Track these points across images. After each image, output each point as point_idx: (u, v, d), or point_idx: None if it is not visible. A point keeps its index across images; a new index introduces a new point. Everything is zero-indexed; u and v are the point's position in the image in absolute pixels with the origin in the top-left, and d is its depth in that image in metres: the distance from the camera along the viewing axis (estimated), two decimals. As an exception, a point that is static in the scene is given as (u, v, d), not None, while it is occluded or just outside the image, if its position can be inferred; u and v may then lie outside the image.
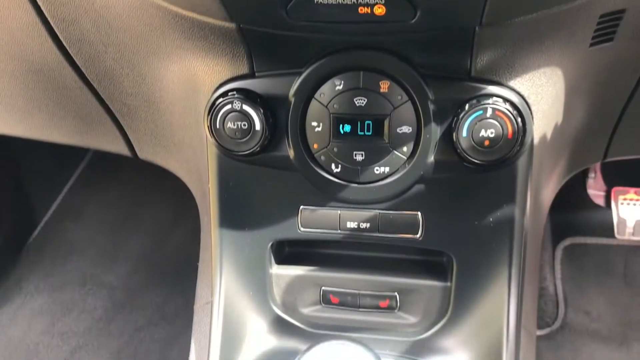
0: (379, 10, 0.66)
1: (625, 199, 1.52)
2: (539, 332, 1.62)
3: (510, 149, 0.75)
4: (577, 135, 0.93)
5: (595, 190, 1.59)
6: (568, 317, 1.65)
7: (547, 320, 1.65)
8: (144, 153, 1.12)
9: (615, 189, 1.53)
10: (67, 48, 0.91)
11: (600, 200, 1.59)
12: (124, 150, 1.14)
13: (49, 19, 0.87)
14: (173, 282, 1.82)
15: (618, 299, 1.68)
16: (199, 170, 0.96)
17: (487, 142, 0.74)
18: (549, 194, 0.97)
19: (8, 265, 1.92)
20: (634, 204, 1.51)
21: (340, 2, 0.66)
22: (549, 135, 0.82)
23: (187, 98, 0.89)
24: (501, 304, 0.82)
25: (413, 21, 0.67)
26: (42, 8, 0.86)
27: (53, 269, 1.90)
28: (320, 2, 0.66)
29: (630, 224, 1.51)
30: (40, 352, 1.66)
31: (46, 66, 0.96)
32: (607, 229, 1.57)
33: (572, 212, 1.72)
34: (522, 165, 0.79)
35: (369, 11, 0.66)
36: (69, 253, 1.95)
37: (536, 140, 0.80)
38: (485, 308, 0.83)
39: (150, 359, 1.63)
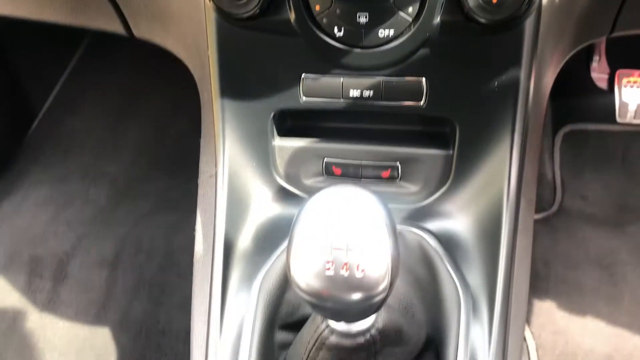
0: None
1: (628, 82, 1.50)
2: (536, 217, 1.65)
3: (518, 6, 0.73)
4: (585, 3, 0.90)
5: (598, 73, 1.56)
6: (565, 202, 1.68)
7: (544, 205, 1.67)
8: (139, 31, 1.08)
9: (619, 72, 1.50)
10: None
11: (603, 84, 1.57)
12: (119, 28, 1.11)
13: None
14: (175, 170, 1.83)
15: (615, 184, 1.70)
16: (197, 43, 0.93)
17: (494, 0, 0.72)
18: (555, 63, 0.95)
19: (8, 159, 1.92)
20: (638, 87, 1.49)
21: None
22: (558, -2, 0.80)
23: None
24: (502, 169, 0.82)
25: None
26: None
27: (54, 160, 1.91)
28: None
29: (632, 107, 1.50)
30: (48, 240, 1.70)
31: None
32: (609, 114, 1.56)
33: (574, 98, 1.70)
34: (530, 27, 0.77)
35: None
36: (69, 145, 1.95)
37: (545, 0, 0.77)
38: (486, 173, 0.84)
39: (154, 244, 1.67)
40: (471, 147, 0.84)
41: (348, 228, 0.55)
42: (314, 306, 0.58)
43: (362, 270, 0.54)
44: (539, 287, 1.52)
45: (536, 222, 1.65)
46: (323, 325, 0.65)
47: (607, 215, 1.65)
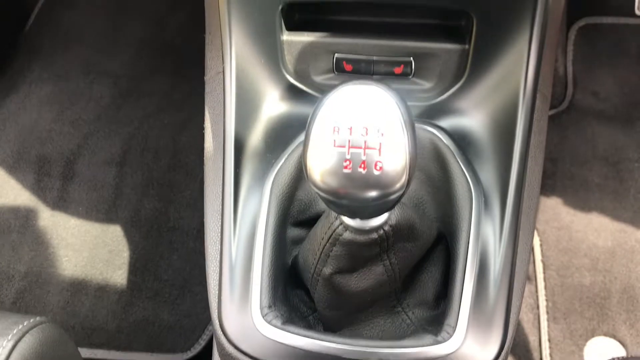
0: None
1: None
2: (545, 113, 1.63)
3: None
4: None
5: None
6: (575, 98, 1.65)
7: (554, 101, 1.65)
8: None
9: None
10: None
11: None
12: None
13: None
14: (178, 68, 1.80)
15: (628, 80, 1.66)
16: None
17: None
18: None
19: (8, 55, 1.88)
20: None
21: None
22: None
23: None
24: (520, 65, 0.79)
25: None
26: None
27: (54, 57, 1.87)
28: None
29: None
30: (54, 138, 1.69)
31: None
32: (628, 6, 1.49)
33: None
34: None
35: None
36: (68, 40, 1.89)
37: None
38: (503, 69, 0.81)
39: (160, 143, 1.67)
40: (488, 41, 0.81)
41: (366, 126, 0.54)
42: (330, 203, 0.58)
43: (380, 169, 0.53)
44: (545, 184, 1.52)
45: (545, 119, 1.64)
46: (337, 222, 0.65)
47: (618, 112, 1.63)
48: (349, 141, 0.54)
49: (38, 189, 1.61)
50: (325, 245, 0.67)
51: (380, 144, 0.53)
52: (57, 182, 1.62)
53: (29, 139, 1.71)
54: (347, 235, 0.65)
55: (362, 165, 0.54)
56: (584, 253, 1.44)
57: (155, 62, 1.84)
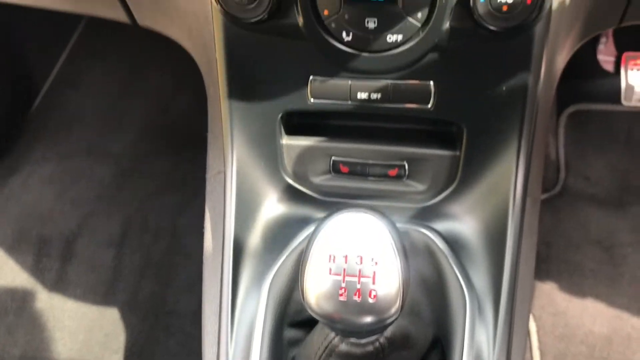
0: None
1: (635, 64, 1.49)
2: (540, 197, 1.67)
3: (528, 14, 0.72)
4: (593, 1, 0.89)
5: (605, 55, 1.55)
6: (568, 182, 1.69)
7: (547, 185, 1.68)
8: (143, 19, 1.08)
9: (626, 54, 1.49)
10: None
11: (609, 66, 1.56)
12: (122, 16, 1.10)
13: None
14: (179, 149, 1.84)
15: (618, 165, 1.70)
16: (204, 38, 0.93)
17: (505, 8, 0.71)
18: (561, 61, 0.95)
19: (13, 135, 1.93)
20: (644, 70, 1.49)
21: None
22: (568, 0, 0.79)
23: None
24: (509, 172, 0.83)
25: None
26: None
27: (58, 138, 1.91)
28: None
29: (638, 90, 1.49)
30: (54, 218, 1.72)
31: None
32: (614, 96, 1.55)
33: (579, 80, 1.70)
34: (539, 33, 0.77)
35: None
36: (72, 121, 1.95)
37: (555, 5, 0.77)
38: (493, 176, 0.84)
39: (160, 224, 1.69)
40: (478, 150, 0.84)
41: (360, 254, 0.56)
42: (326, 324, 0.60)
43: (374, 297, 0.56)
44: (540, 268, 1.54)
45: (540, 202, 1.67)
46: (332, 334, 0.66)
47: (610, 196, 1.66)
48: (344, 270, 0.56)
49: (37, 270, 1.62)
50: (321, 355, 0.68)
51: (374, 272, 0.56)
52: (56, 263, 1.63)
53: (30, 218, 1.73)
54: (343, 347, 0.66)
55: (357, 294, 0.56)
56: (581, 340, 1.44)
57: (157, 143, 1.88)
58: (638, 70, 1.49)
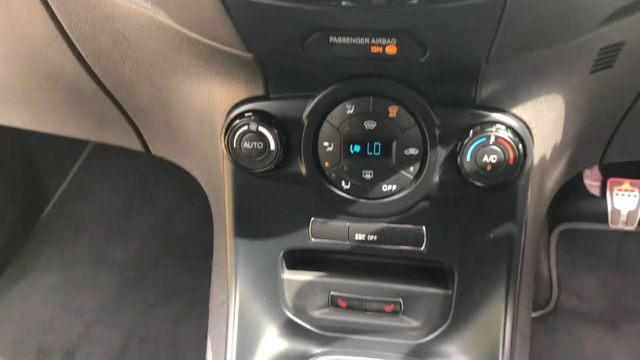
0: (391, 49, 0.70)
1: (620, 190, 1.57)
2: (533, 315, 1.70)
3: (511, 173, 0.80)
4: (574, 145, 0.97)
5: (591, 180, 1.64)
6: (561, 300, 1.73)
7: (541, 303, 1.72)
8: (157, 151, 1.16)
9: (610, 180, 1.58)
10: (86, 59, 0.95)
11: (596, 190, 1.64)
12: (137, 146, 1.18)
13: (68, 33, 0.91)
14: (181, 260, 1.89)
15: (609, 283, 1.75)
16: (213, 175, 1.00)
17: (489, 167, 0.79)
18: (546, 202, 1.02)
19: (21, 242, 1.98)
20: (629, 195, 1.56)
21: (354, 42, 0.70)
22: (548, 156, 0.87)
23: (203, 111, 0.93)
24: (498, 314, 0.88)
25: (422, 59, 0.71)
26: (63, 23, 0.89)
27: (65, 245, 1.97)
28: (335, 42, 0.70)
29: (624, 214, 1.57)
30: (56, 327, 1.74)
31: (64, 73, 1.00)
32: (602, 217, 1.62)
33: (569, 201, 1.78)
34: (522, 186, 0.84)
35: (381, 50, 0.70)
36: (80, 230, 2.01)
37: (536, 162, 0.85)
38: (483, 317, 0.89)
39: (160, 335, 1.71)
40: (469, 291, 0.89)
41: None
42: None
43: None
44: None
45: (533, 320, 1.70)
46: None
47: (602, 314, 1.70)
48: None
49: (35, 382, 1.63)
50: None
51: None
52: (55, 376, 1.64)
53: (32, 327, 1.75)
54: None
55: None
56: None
57: (161, 253, 1.94)
58: (623, 195, 1.57)
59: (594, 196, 1.65)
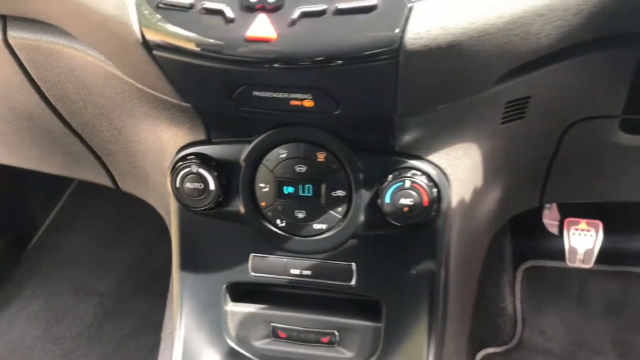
0: (308, 103, 0.78)
1: (576, 229, 1.62)
2: (497, 350, 1.75)
3: (426, 215, 0.87)
4: (502, 189, 1.04)
5: (550, 219, 1.70)
6: (524, 336, 1.77)
7: (505, 338, 1.76)
8: (125, 187, 1.24)
9: (568, 220, 1.63)
10: (53, 103, 1.04)
11: (554, 229, 1.70)
12: (108, 183, 1.27)
13: (35, 80, 1.00)
14: (158, 292, 1.94)
15: (572, 320, 1.79)
16: (169, 211, 1.08)
17: (406, 209, 0.86)
18: (479, 241, 1.09)
19: (8, 272, 2.06)
20: (585, 234, 1.62)
21: (275, 96, 0.78)
22: (468, 199, 0.94)
23: (157, 152, 1.01)
24: (422, 347, 0.94)
25: (337, 112, 0.79)
26: (30, 71, 0.99)
27: (49, 276, 2.04)
28: (258, 95, 0.78)
29: (580, 252, 1.62)
30: (35, 356, 1.80)
31: (35, 115, 1.09)
32: (563, 255, 1.68)
33: (534, 239, 1.84)
34: (440, 227, 0.91)
35: (299, 103, 0.78)
36: (64, 262, 2.08)
37: (455, 204, 0.92)
38: (408, 349, 0.95)
39: (135, 365, 1.77)
40: (396, 324, 0.96)
41: None
42: None
43: None
44: None
45: (497, 355, 1.75)
46: None
47: (565, 351, 1.73)
48: None
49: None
50: None
51: None
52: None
53: (12, 355, 1.81)
54: None
55: None
56: None
57: (140, 284, 2.00)
58: (580, 234, 1.63)
59: (553, 236, 1.71)
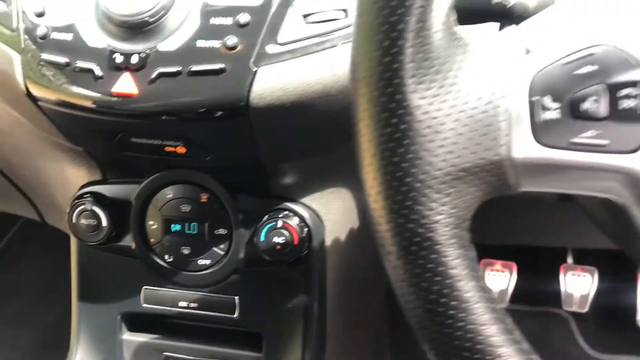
0: (180, 149, 0.87)
1: (492, 270, 1.71)
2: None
3: (298, 252, 0.95)
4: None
5: (468, 260, 1.78)
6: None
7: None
8: (50, 221, 1.32)
9: (483, 261, 1.72)
10: None
11: (472, 270, 1.78)
12: (35, 216, 1.34)
13: None
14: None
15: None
16: None
17: (278, 247, 0.94)
18: (373, 274, 1.16)
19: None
20: (499, 275, 1.70)
21: (150, 142, 0.87)
22: (344, 237, 1.02)
23: (66, 189, 1.09)
24: None
25: (208, 158, 0.88)
26: None
27: (-8, 306, 2.09)
28: (136, 142, 0.87)
29: (495, 292, 1.70)
30: (-30, 385, 1.84)
31: None
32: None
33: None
34: (315, 263, 0.99)
35: (173, 150, 0.87)
36: (9, 295, 2.14)
37: (329, 243, 1.00)
38: None
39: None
40: (274, 355, 1.03)
41: None
42: None
43: None
44: None
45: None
46: None
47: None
48: None
49: None
50: None
51: None
52: None
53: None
54: None
55: None
56: None
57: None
58: (495, 275, 1.71)
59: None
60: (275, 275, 1.00)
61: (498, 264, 1.72)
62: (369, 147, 0.47)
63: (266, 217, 0.95)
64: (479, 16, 0.62)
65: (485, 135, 0.46)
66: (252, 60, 0.77)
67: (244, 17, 0.77)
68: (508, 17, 0.62)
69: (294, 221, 0.94)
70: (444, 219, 0.47)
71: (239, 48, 0.77)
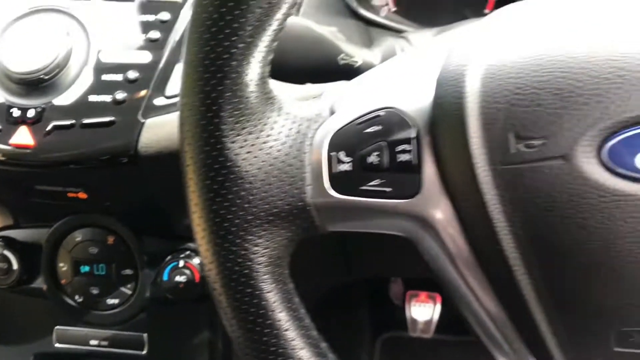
0: (82, 195, 0.93)
1: (417, 301, 1.77)
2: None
3: (201, 290, 1.00)
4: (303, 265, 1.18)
5: (394, 294, 1.85)
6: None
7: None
8: None
9: (409, 292, 1.79)
10: None
11: (399, 301, 1.84)
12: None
13: None
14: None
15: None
16: None
17: (181, 286, 0.99)
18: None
19: None
20: (424, 306, 1.77)
21: (53, 189, 0.93)
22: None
23: None
24: None
25: (108, 204, 0.93)
26: None
27: None
28: (39, 189, 0.93)
29: (420, 322, 1.76)
30: None
31: None
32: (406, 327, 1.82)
33: (392, 309, 1.98)
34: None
35: (75, 195, 0.93)
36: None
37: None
38: None
39: None
40: None
41: None
42: None
43: None
44: None
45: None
46: None
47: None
48: None
49: None
50: None
51: None
52: None
53: None
54: None
55: None
56: None
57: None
58: (420, 306, 1.78)
59: (400, 307, 1.86)
60: (181, 312, 1.05)
61: (423, 295, 1.79)
62: (195, 191, 0.54)
63: (169, 257, 1.00)
64: (328, 75, 0.70)
65: (291, 185, 0.53)
66: (140, 112, 0.84)
67: (132, 74, 0.85)
68: (356, 76, 0.70)
69: (196, 260, 1.00)
70: (257, 257, 0.54)
71: (127, 102, 0.84)
